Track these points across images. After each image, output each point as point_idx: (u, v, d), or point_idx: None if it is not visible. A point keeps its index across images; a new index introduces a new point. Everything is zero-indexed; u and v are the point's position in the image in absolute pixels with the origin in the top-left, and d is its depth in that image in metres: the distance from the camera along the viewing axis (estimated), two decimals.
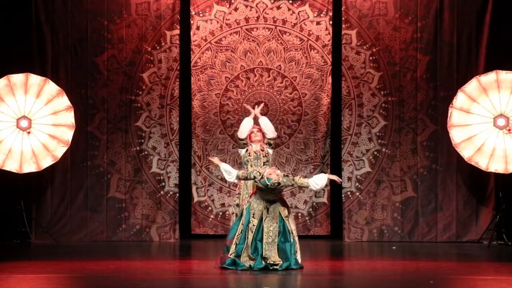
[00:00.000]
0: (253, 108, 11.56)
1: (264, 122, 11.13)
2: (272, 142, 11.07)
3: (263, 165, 10.75)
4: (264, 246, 9.97)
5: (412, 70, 13.54)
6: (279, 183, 9.94)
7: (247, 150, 10.99)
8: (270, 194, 10.08)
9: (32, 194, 13.36)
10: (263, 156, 10.94)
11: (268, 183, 9.92)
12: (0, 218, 13.18)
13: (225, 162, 13.54)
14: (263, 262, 9.95)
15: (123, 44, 13.53)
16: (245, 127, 11.07)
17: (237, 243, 10.08)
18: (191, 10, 13.64)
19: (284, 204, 10.27)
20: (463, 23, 13.46)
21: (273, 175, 9.97)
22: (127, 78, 13.56)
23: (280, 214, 10.11)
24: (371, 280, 9.61)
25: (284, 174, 10.09)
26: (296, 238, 10.14)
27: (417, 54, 13.52)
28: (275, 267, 9.91)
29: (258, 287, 9.12)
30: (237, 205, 11.05)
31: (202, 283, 9.49)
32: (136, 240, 13.45)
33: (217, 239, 13.09)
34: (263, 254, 9.96)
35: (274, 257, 9.97)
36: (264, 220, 10.06)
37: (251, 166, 10.95)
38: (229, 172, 10.35)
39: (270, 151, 11.03)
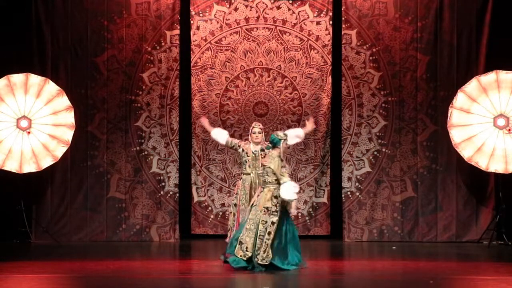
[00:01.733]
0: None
1: (297, 133, 10.77)
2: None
3: (261, 165, 10.74)
4: (243, 230, 10.03)
5: (412, 70, 13.54)
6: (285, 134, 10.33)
7: (243, 150, 11.01)
8: (261, 174, 10.25)
9: (32, 194, 13.35)
10: (262, 158, 10.94)
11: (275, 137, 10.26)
12: (0, 218, 13.17)
13: (225, 162, 13.55)
14: (235, 245, 9.97)
15: (123, 44, 13.53)
16: (217, 138, 11.08)
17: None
18: (191, 10, 13.64)
19: (270, 200, 10.21)
20: (463, 23, 13.46)
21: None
22: (127, 78, 13.56)
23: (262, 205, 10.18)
24: (371, 280, 9.61)
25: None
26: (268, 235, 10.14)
27: (417, 54, 13.52)
28: (244, 258, 9.99)
29: (258, 287, 9.12)
30: (235, 205, 11.04)
31: (202, 283, 9.49)
32: (136, 240, 13.45)
33: (217, 239, 13.08)
34: (240, 237, 10.00)
35: (248, 244, 9.96)
36: (252, 204, 10.14)
37: (249, 167, 10.97)
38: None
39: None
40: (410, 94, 13.54)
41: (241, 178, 11.05)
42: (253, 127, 11.12)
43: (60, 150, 13.01)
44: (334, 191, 13.66)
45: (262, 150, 11.00)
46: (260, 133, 11.08)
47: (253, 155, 10.96)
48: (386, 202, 13.50)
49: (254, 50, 13.65)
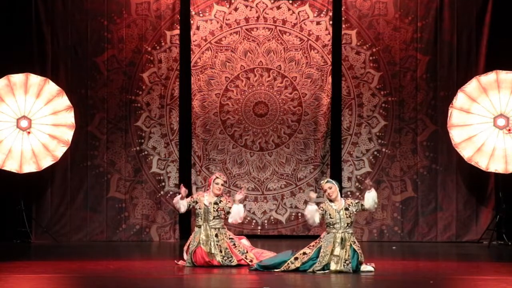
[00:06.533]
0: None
1: (238, 209, 10.48)
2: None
3: (213, 219, 10.37)
4: None
5: (412, 70, 13.54)
6: None
7: (197, 202, 10.44)
8: None
9: (32, 194, 13.35)
10: (214, 210, 10.43)
11: None
12: (0, 218, 13.17)
13: (225, 162, 13.55)
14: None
15: (123, 44, 13.54)
16: (178, 205, 10.51)
17: None
18: (191, 10, 13.64)
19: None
20: (463, 23, 13.46)
21: None
22: (127, 78, 13.56)
23: None
24: (372, 280, 9.60)
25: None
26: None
27: (417, 54, 13.52)
28: None
29: (258, 287, 9.13)
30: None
31: (202, 283, 9.49)
32: (136, 240, 13.45)
33: None
34: None
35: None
36: None
37: (201, 219, 10.40)
38: None
39: (227, 208, 10.48)
40: (410, 94, 13.54)
41: (195, 229, 10.51)
42: (217, 177, 10.50)
43: (60, 150, 13.01)
44: None
45: (216, 203, 10.42)
46: (223, 185, 10.49)
47: (205, 207, 10.39)
48: (386, 202, 13.51)
49: (254, 50, 13.65)
